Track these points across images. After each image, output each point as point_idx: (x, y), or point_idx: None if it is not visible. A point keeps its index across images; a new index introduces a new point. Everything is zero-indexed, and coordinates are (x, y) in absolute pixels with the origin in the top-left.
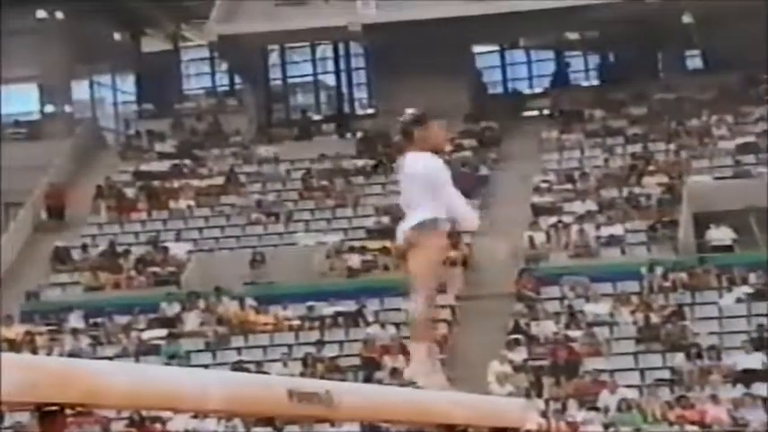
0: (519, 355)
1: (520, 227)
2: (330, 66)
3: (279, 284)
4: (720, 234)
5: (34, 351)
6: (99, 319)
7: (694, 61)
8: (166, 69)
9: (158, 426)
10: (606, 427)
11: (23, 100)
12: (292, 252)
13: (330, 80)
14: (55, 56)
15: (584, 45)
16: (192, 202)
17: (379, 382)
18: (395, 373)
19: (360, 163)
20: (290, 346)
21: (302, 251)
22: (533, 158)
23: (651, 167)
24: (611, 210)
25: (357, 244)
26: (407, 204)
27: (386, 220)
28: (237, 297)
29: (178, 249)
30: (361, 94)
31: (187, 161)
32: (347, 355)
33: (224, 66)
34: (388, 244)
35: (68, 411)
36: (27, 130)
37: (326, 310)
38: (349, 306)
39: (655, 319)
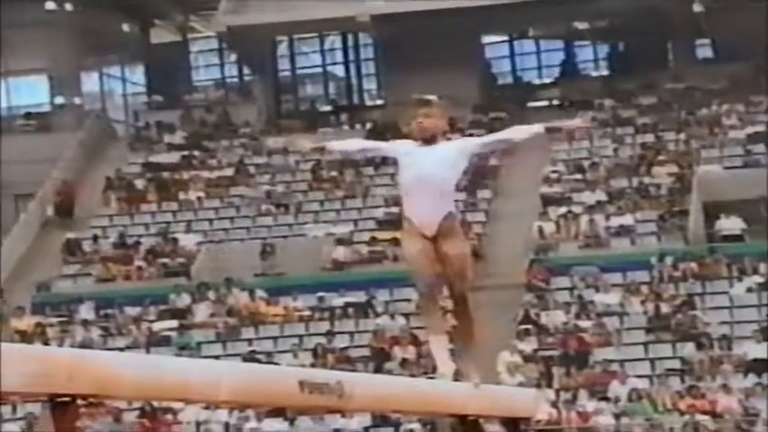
0: (529, 345)
1: (530, 217)
2: (339, 57)
3: (289, 275)
4: (730, 224)
5: (45, 342)
6: (110, 311)
7: (704, 51)
8: (176, 61)
9: (170, 416)
10: (617, 416)
11: (33, 92)
12: (302, 243)
13: (339, 71)
14: (64, 48)
15: (594, 35)
16: (201, 194)
17: (389, 372)
18: (405, 363)
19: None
20: (300, 336)
21: (312, 242)
22: (542, 148)
23: (661, 157)
24: (621, 200)
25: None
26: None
27: (395, 210)
28: (248, 288)
29: (188, 241)
30: (370, 84)
31: (197, 152)
32: (357, 346)
33: (233, 57)
34: (397, 234)
35: (80, 402)
36: (37, 122)
37: (336, 300)
38: (359, 297)
39: (665, 308)
